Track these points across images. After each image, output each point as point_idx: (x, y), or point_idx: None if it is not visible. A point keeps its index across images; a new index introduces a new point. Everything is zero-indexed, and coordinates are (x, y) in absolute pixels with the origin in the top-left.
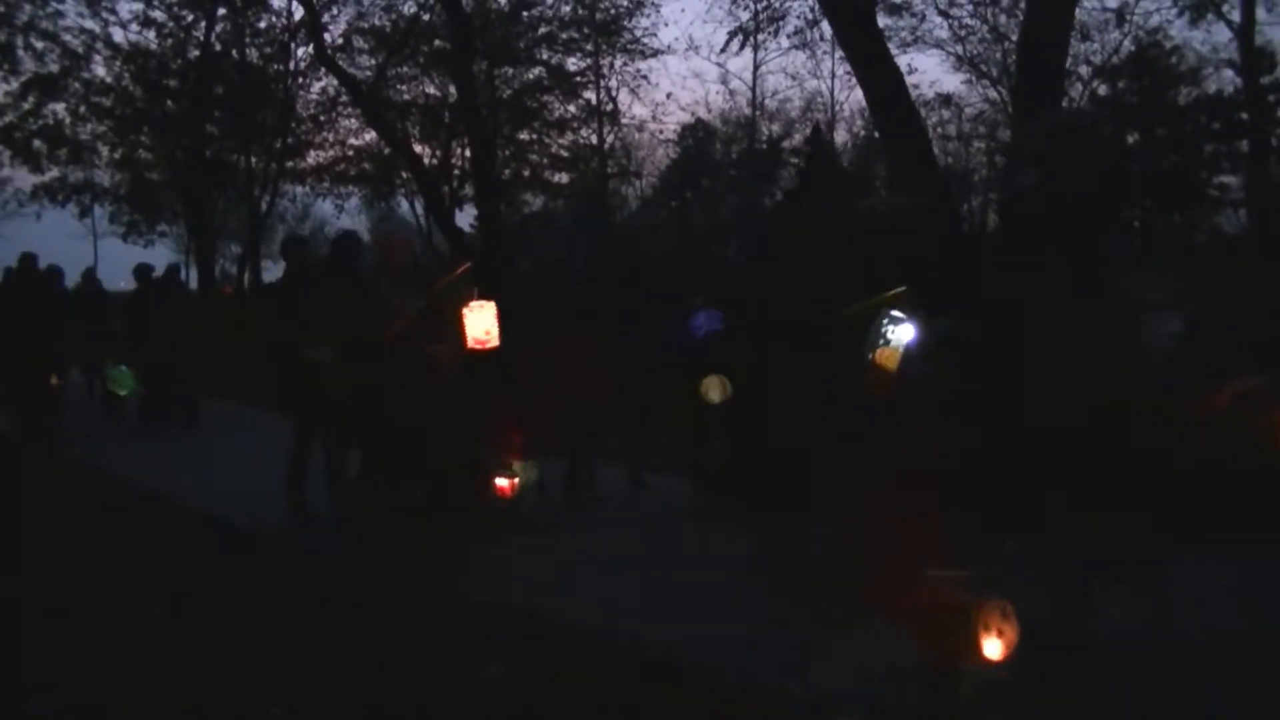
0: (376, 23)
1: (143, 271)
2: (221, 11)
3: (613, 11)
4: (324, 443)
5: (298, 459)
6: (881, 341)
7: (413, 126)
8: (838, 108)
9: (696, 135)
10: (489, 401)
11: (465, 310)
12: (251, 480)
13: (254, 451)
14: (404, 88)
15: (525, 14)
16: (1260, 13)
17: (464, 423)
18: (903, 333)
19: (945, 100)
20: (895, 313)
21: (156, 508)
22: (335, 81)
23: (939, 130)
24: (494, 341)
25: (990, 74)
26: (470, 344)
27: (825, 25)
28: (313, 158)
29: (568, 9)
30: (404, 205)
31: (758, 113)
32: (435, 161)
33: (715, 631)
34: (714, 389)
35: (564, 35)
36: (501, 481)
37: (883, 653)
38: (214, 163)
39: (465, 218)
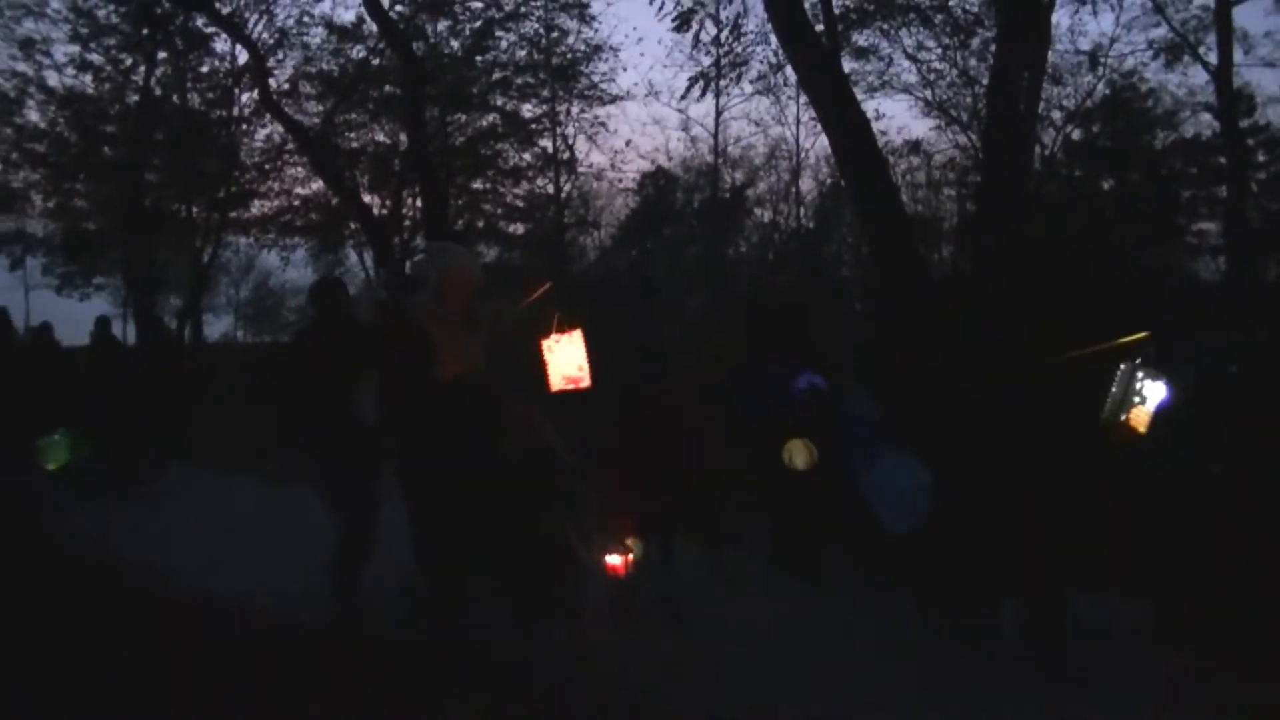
0: (324, 67)
1: (102, 324)
2: (162, 55)
3: (570, 56)
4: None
5: (351, 543)
6: (1137, 400)
7: (362, 175)
8: (803, 154)
9: (657, 183)
10: (589, 463)
11: (547, 343)
12: (220, 547)
13: (214, 515)
14: (353, 135)
15: (479, 58)
16: (1237, 54)
17: (562, 494)
18: (1155, 391)
19: (914, 147)
20: (1143, 366)
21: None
22: (281, 128)
23: (908, 178)
24: (586, 380)
25: (960, 119)
26: (557, 385)
27: (790, 70)
28: (257, 207)
29: (523, 54)
30: (352, 257)
31: (720, 160)
32: (385, 211)
33: None
34: (800, 454)
35: (519, 80)
36: (613, 559)
37: None
38: (154, 212)
39: None
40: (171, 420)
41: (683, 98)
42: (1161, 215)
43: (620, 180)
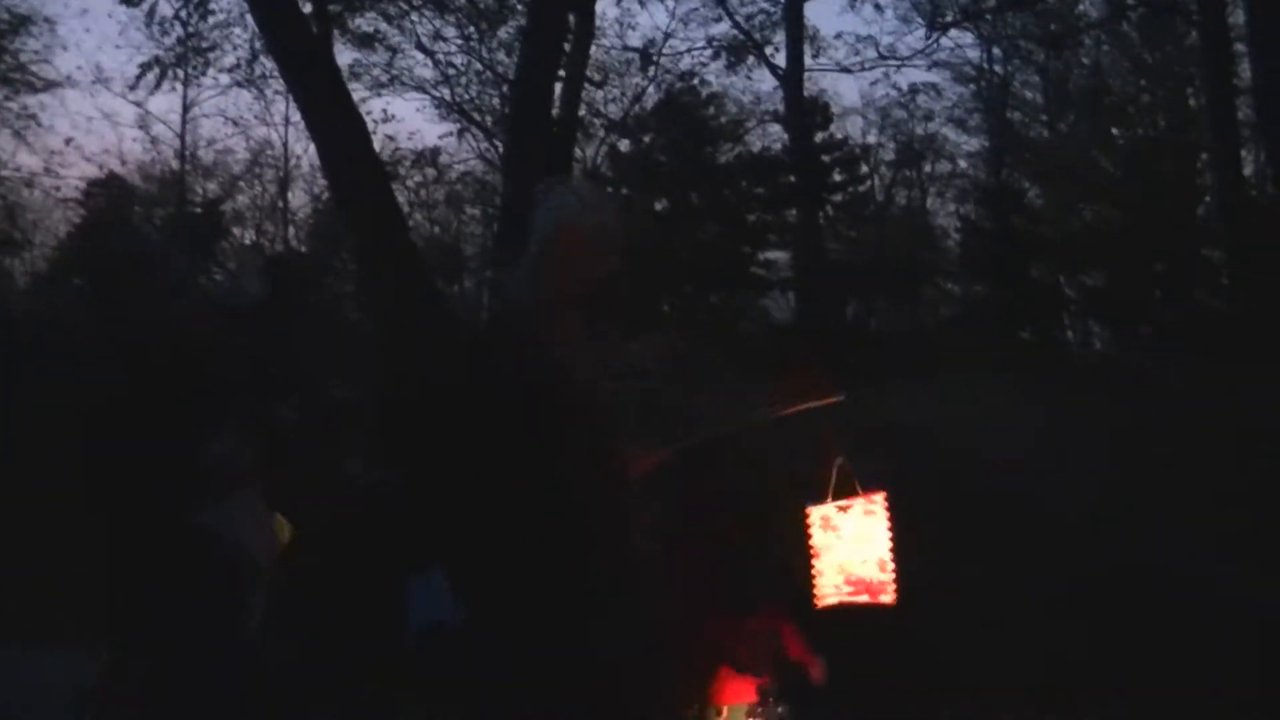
0: None
1: None
2: None
3: None
4: None
5: None
6: None
7: None
8: (294, 162)
9: (110, 193)
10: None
11: (820, 509)
12: None
13: None
14: None
15: None
16: (809, 58)
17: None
18: None
19: (429, 156)
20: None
21: None
22: None
23: (420, 194)
24: (890, 591)
25: (484, 123)
26: (828, 595)
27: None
28: None
29: None
30: None
31: (189, 167)
32: None
33: None
34: None
35: None
36: None
37: None
38: None
39: None
40: None
41: (133, 88)
42: (726, 244)
43: (59, 188)
